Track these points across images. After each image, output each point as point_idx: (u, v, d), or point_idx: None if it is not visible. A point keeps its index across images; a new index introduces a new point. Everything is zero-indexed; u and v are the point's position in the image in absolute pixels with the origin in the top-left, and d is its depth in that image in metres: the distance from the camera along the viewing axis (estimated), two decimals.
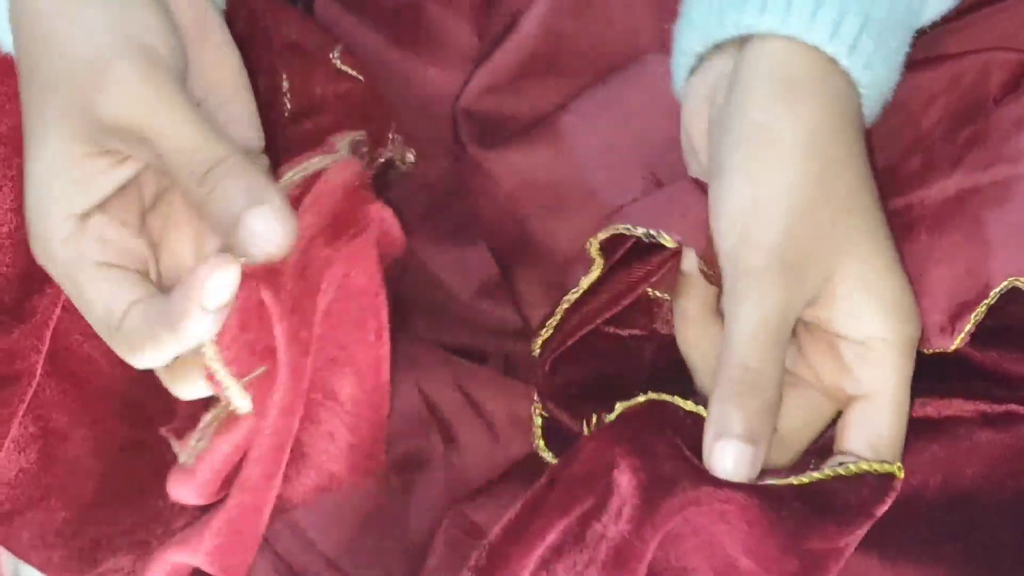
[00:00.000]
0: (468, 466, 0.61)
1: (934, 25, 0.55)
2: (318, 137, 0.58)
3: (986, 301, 0.50)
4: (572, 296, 0.53)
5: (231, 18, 0.57)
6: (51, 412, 0.59)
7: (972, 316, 0.51)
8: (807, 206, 0.49)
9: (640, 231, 0.52)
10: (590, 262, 0.53)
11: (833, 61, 0.51)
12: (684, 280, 0.54)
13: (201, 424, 0.48)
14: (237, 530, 0.48)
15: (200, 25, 0.53)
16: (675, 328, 0.54)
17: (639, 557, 0.46)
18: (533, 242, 0.61)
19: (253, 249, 0.46)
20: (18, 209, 0.55)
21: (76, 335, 0.59)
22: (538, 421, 0.56)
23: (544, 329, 0.54)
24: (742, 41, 0.52)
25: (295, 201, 0.48)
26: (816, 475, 0.48)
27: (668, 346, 0.55)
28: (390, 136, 0.60)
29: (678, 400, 0.51)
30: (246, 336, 0.47)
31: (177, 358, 0.48)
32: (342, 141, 0.51)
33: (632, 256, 0.53)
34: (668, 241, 0.51)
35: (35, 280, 0.57)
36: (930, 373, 0.52)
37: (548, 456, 0.55)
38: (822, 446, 0.52)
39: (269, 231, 0.46)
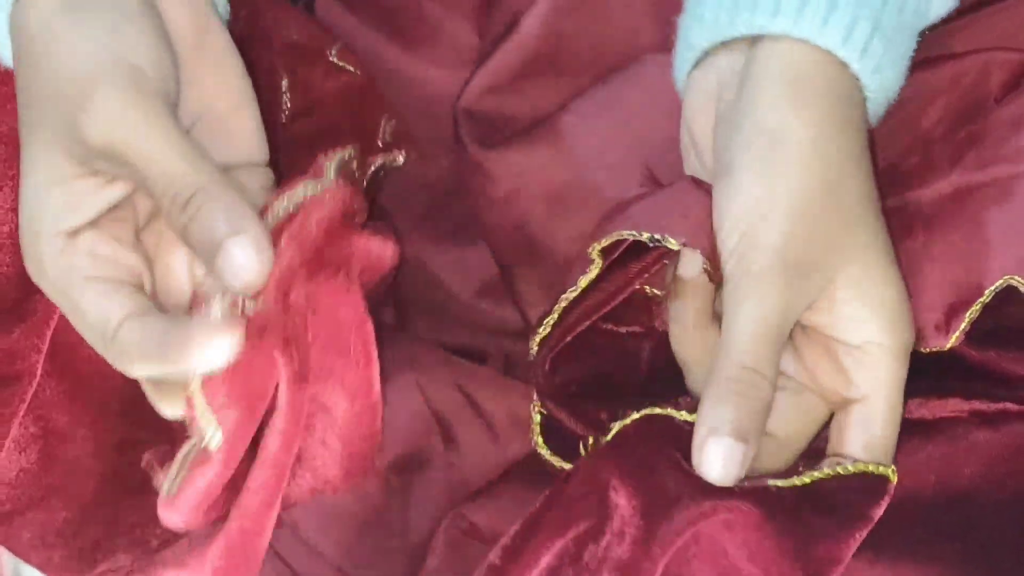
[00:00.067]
0: (468, 466, 0.61)
1: (935, 25, 0.55)
2: (316, 136, 0.58)
3: (981, 299, 0.51)
4: (570, 295, 0.53)
5: (231, 18, 0.57)
6: (52, 412, 0.59)
7: (967, 314, 0.51)
8: (813, 210, 0.49)
9: (645, 236, 0.51)
10: (588, 262, 0.53)
11: (844, 65, 0.51)
12: (681, 283, 0.54)
13: (179, 455, 0.48)
14: (238, 553, 0.48)
15: (200, 38, 0.53)
16: (669, 330, 0.54)
17: None
18: (533, 242, 0.61)
19: (231, 278, 0.46)
20: (18, 209, 0.55)
21: (76, 335, 0.58)
22: (537, 419, 0.55)
23: (542, 327, 0.54)
24: (752, 40, 0.52)
25: (279, 232, 0.48)
26: (816, 474, 0.48)
27: (666, 344, 0.55)
28: (382, 124, 0.60)
29: (672, 412, 0.51)
30: (235, 375, 0.46)
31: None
32: (330, 162, 0.51)
33: (629, 254, 0.53)
34: (673, 244, 0.51)
35: None
36: (928, 373, 0.52)
37: (546, 454, 0.55)
38: (813, 450, 0.52)
39: (248, 260, 0.46)
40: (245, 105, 0.54)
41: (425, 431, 0.60)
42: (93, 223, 0.49)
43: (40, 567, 0.61)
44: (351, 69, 0.61)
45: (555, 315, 0.54)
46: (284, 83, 0.60)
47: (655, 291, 0.55)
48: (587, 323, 0.53)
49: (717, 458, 0.47)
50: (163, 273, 0.52)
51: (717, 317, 0.54)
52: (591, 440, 0.53)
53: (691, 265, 0.53)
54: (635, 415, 0.51)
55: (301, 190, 0.49)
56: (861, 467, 0.48)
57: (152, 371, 0.48)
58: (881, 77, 0.51)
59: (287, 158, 0.56)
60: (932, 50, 0.56)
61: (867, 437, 0.50)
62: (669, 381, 0.55)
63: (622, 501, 0.48)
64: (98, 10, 0.49)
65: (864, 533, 0.46)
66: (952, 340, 0.51)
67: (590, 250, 0.53)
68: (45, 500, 0.59)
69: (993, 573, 0.48)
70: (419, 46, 0.65)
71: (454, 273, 0.66)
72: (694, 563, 0.47)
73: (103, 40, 0.48)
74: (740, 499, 0.47)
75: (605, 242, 0.52)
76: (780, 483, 0.48)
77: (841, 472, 0.48)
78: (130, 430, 0.60)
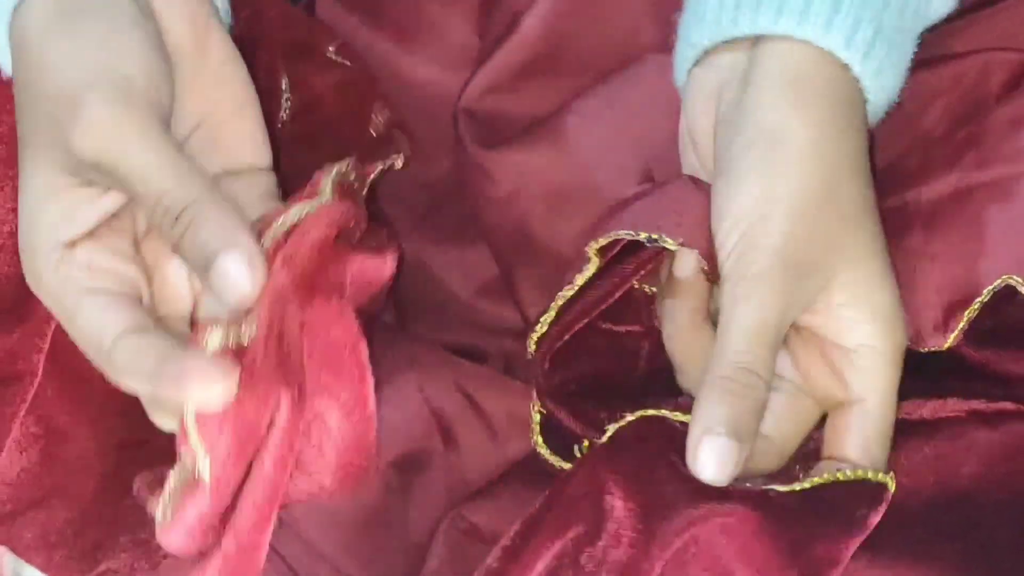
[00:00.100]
0: (468, 466, 0.61)
1: (935, 25, 0.55)
2: (317, 133, 0.58)
3: (979, 299, 0.51)
4: (566, 292, 0.54)
5: (232, 20, 0.57)
6: (53, 412, 0.59)
7: (966, 314, 0.51)
8: (812, 211, 0.50)
9: (643, 236, 0.51)
10: (586, 260, 0.53)
11: (845, 67, 0.51)
12: (675, 282, 0.54)
13: (170, 479, 0.47)
14: (235, 571, 0.48)
15: (201, 43, 0.52)
16: (663, 329, 0.55)
17: None
18: (534, 242, 0.61)
19: (225, 292, 0.46)
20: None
21: None
22: (536, 418, 0.56)
23: (538, 326, 0.54)
24: (754, 40, 0.52)
25: (273, 254, 0.47)
26: (816, 479, 0.48)
27: None
28: (373, 116, 0.60)
29: (667, 413, 0.51)
30: (229, 410, 0.46)
31: None
32: (327, 177, 0.50)
33: (625, 252, 0.53)
34: (671, 244, 0.51)
35: None
36: (927, 373, 0.52)
37: (546, 453, 0.56)
38: (804, 452, 0.52)
39: (241, 274, 0.46)
40: (247, 110, 0.53)
41: (425, 431, 0.60)
42: (91, 234, 0.49)
43: (42, 568, 0.60)
44: (344, 62, 0.61)
45: (551, 313, 0.54)
46: (284, 81, 0.60)
47: (652, 289, 0.56)
48: (585, 321, 0.53)
49: (711, 457, 0.47)
50: (162, 284, 0.52)
51: (711, 316, 0.54)
52: (586, 443, 0.53)
53: (686, 265, 0.53)
54: (630, 417, 0.51)
55: (296, 211, 0.48)
56: (860, 474, 0.48)
57: (146, 391, 0.48)
58: (882, 79, 0.51)
59: (287, 158, 0.56)
60: (932, 50, 0.56)
61: (861, 440, 0.50)
62: (668, 380, 0.55)
63: (618, 504, 0.48)
64: (89, 20, 0.49)
65: (860, 540, 0.46)
66: (950, 340, 0.51)
67: (587, 249, 0.53)
68: (46, 500, 0.59)
69: (992, 573, 0.48)
70: (419, 46, 0.65)
71: (454, 273, 0.66)
72: (691, 568, 0.47)
73: (93, 50, 0.48)
74: (737, 503, 0.47)
75: (603, 241, 0.52)
76: (780, 488, 0.48)
77: (841, 478, 0.48)
78: (131, 430, 0.60)
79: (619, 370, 0.56)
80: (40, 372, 0.58)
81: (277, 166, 0.54)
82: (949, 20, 0.56)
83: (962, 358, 0.53)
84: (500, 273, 0.63)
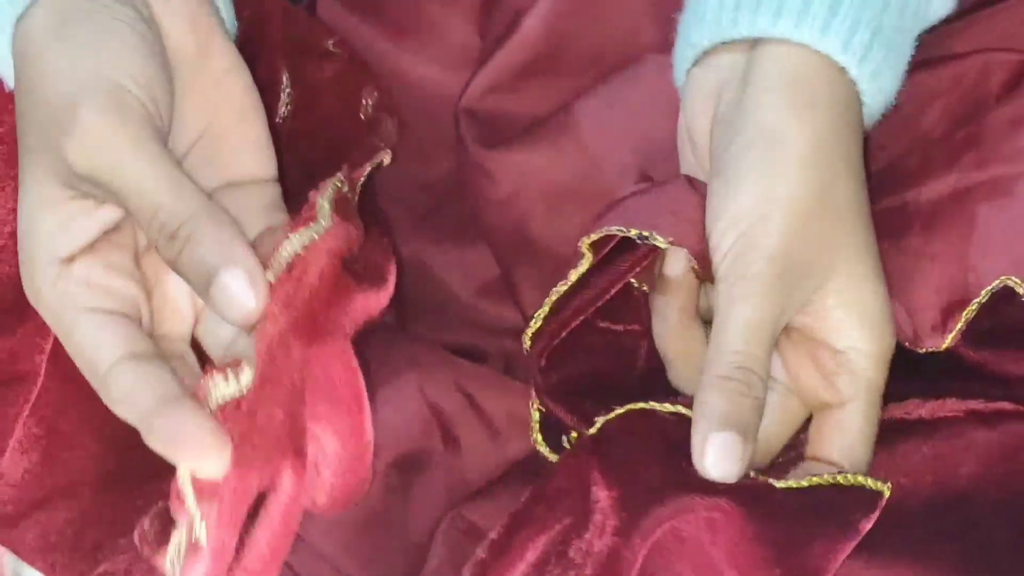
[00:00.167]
0: (468, 466, 0.61)
1: (935, 26, 0.55)
2: (316, 130, 0.57)
3: (977, 300, 0.51)
4: (560, 288, 0.54)
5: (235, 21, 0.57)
6: (55, 413, 0.58)
7: (963, 314, 0.51)
8: (810, 214, 0.50)
9: (633, 232, 0.52)
10: (579, 256, 0.53)
11: (843, 69, 0.51)
12: (665, 281, 0.54)
13: (172, 543, 0.46)
14: None
15: (203, 49, 0.52)
16: (653, 326, 0.55)
17: (628, 568, 0.46)
18: (534, 242, 0.61)
19: (226, 309, 0.46)
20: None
21: None
22: (535, 416, 0.56)
23: (533, 321, 0.54)
24: (753, 42, 0.52)
25: (274, 291, 0.47)
26: (815, 479, 0.48)
27: None
28: (363, 101, 0.60)
29: (655, 404, 0.51)
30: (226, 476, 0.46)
31: None
32: (323, 198, 0.49)
33: (620, 250, 0.53)
34: (661, 242, 0.52)
35: None
36: (925, 373, 0.52)
37: (545, 451, 0.56)
38: (795, 455, 0.52)
39: (243, 291, 0.45)
40: (250, 118, 0.53)
41: (425, 431, 0.60)
42: (90, 249, 0.48)
43: (44, 570, 0.60)
44: (337, 51, 0.61)
45: (545, 308, 0.54)
46: (285, 77, 0.60)
47: (647, 287, 0.56)
48: (581, 318, 0.54)
49: (719, 454, 0.48)
50: (162, 301, 0.51)
51: (700, 314, 0.54)
52: (574, 434, 0.53)
53: (676, 264, 0.53)
54: (618, 410, 0.51)
55: (296, 239, 0.47)
56: (858, 480, 0.48)
57: (139, 428, 0.47)
58: (879, 82, 0.52)
59: (289, 156, 0.56)
60: (932, 51, 0.56)
61: (846, 442, 0.51)
62: (667, 379, 0.55)
63: (603, 494, 0.48)
64: (87, 28, 0.48)
65: (852, 545, 0.46)
66: (948, 340, 0.52)
67: (580, 243, 0.53)
68: (48, 501, 0.59)
69: (991, 573, 0.48)
70: (420, 46, 0.65)
71: (454, 273, 0.66)
72: (677, 564, 0.47)
73: (88, 60, 0.47)
74: (725, 496, 0.47)
75: (594, 236, 0.53)
76: (776, 483, 0.48)
77: (841, 481, 0.48)
78: (132, 431, 0.60)
79: (618, 369, 0.56)
80: (42, 373, 0.57)
81: (280, 168, 0.54)
82: (949, 21, 0.56)
83: (960, 358, 0.53)
84: (500, 273, 0.63)
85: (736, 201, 0.50)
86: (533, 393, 0.55)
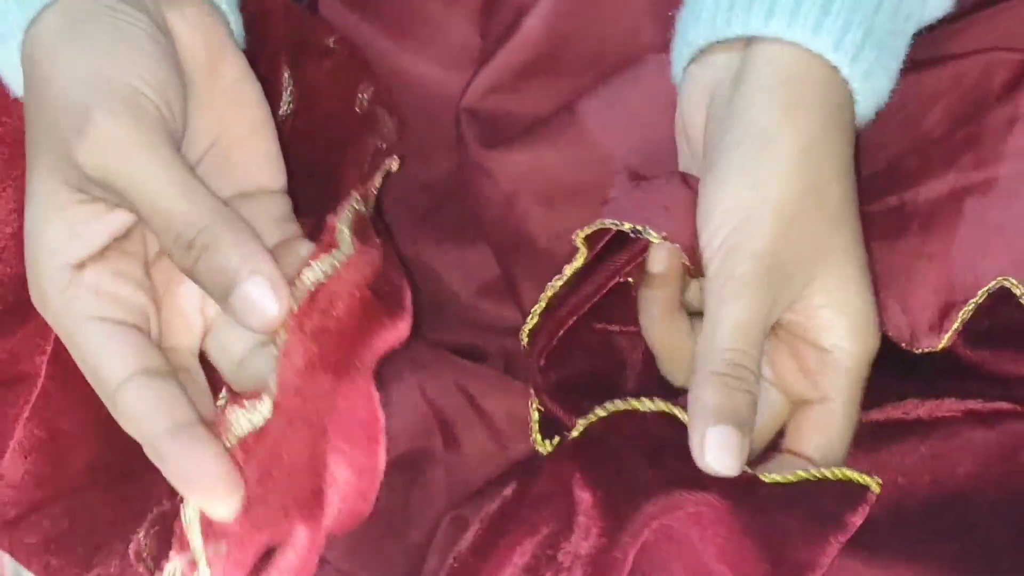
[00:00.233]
0: (469, 466, 0.61)
1: (935, 25, 0.55)
2: (317, 128, 0.57)
3: (974, 300, 0.51)
4: (556, 283, 0.54)
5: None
6: (55, 414, 0.58)
7: (960, 314, 0.51)
8: (800, 213, 0.50)
9: (627, 226, 0.52)
10: (575, 251, 0.53)
11: (835, 69, 0.51)
12: (649, 275, 0.54)
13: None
14: None
15: (215, 62, 0.51)
16: (640, 319, 0.55)
17: (619, 568, 0.46)
18: (534, 242, 0.61)
19: (248, 317, 0.45)
20: (20, 210, 0.54)
21: None
22: (535, 416, 0.56)
23: (530, 316, 0.54)
24: (747, 41, 0.52)
25: (296, 322, 0.46)
26: (802, 474, 0.49)
27: None
28: (359, 95, 0.60)
29: (634, 402, 0.51)
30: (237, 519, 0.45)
31: None
32: (342, 222, 0.48)
33: (615, 245, 0.54)
34: (654, 237, 0.52)
35: None
36: (923, 374, 0.52)
37: (545, 451, 0.56)
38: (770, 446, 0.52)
39: (265, 299, 0.45)
40: (261, 130, 0.52)
41: (426, 431, 0.60)
42: (99, 257, 0.48)
43: (39, 572, 0.60)
44: (335, 47, 0.61)
45: (541, 303, 0.54)
46: (286, 75, 0.60)
47: (633, 280, 0.56)
48: (578, 315, 0.54)
49: (719, 448, 0.48)
50: (171, 311, 0.50)
51: (685, 306, 0.55)
52: (556, 439, 0.53)
53: (659, 259, 0.53)
54: (600, 411, 0.51)
55: (318, 267, 0.47)
56: (847, 475, 0.48)
57: (146, 447, 0.46)
58: (872, 82, 0.52)
59: (292, 154, 0.56)
60: (933, 51, 0.56)
61: (824, 438, 0.51)
62: (665, 380, 0.55)
63: (586, 496, 0.48)
64: (100, 31, 0.48)
65: (842, 540, 0.46)
66: (944, 340, 0.52)
67: (574, 237, 0.53)
68: (48, 504, 0.59)
69: (989, 573, 0.48)
70: (420, 46, 0.65)
71: (454, 273, 0.66)
72: (666, 561, 0.47)
73: (103, 63, 0.47)
74: (712, 492, 0.47)
75: (588, 230, 0.53)
76: (765, 478, 0.48)
77: (828, 476, 0.48)
78: None
79: (615, 370, 0.56)
80: (43, 374, 0.57)
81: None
82: (949, 20, 0.56)
83: (958, 359, 0.53)
84: (500, 273, 0.64)
85: (726, 199, 0.50)
86: (533, 393, 0.56)
